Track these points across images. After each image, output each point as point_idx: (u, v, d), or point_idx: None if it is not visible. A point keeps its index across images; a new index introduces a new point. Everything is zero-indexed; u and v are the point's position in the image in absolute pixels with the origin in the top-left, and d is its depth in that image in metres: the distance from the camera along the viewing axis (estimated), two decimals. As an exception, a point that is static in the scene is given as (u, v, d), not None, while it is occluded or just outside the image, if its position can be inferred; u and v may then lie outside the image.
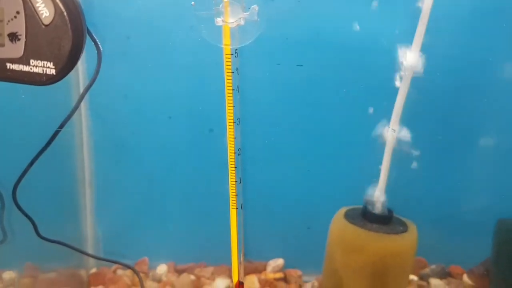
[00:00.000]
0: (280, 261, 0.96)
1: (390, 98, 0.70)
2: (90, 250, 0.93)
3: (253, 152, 0.81)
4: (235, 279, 0.42)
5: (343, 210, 0.81)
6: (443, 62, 0.73)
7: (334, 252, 0.80)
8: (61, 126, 0.53)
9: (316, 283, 0.91)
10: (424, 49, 0.64)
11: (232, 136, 0.37)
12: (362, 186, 0.83)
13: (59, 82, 0.75)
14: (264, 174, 0.87)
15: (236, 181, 0.40)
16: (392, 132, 0.73)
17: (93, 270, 0.93)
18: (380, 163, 0.77)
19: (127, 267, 0.71)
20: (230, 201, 0.41)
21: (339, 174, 0.88)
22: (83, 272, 0.91)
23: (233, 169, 0.39)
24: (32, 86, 0.33)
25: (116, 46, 0.79)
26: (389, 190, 0.82)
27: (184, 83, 0.82)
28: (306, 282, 0.93)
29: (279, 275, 0.94)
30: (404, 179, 0.82)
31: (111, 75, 0.81)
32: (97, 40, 0.43)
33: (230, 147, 0.37)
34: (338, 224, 0.79)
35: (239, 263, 0.44)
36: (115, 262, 0.76)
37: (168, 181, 0.90)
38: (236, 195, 0.42)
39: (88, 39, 0.42)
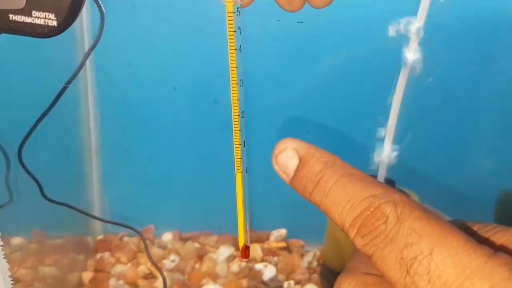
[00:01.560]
0: (283, 231, 0.98)
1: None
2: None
3: (256, 114, 0.81)
4: (241, 242, 0.41)
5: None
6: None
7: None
8: (68, 82, 0.53)
9: (318, 252, 0.93)
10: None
11: (236, 98, 0.35)
12: (367, 152, 0.83)
13: (66, 44, 0.76)
14: (267, 138, 0.87)
15: (240, 144, 0.39)
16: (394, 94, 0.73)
17: (100, 237, 0.95)
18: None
19: (134, 230, 0.72)
20: (235, 165, 0.38)
21: (343, 138, 0.88)
22: (89, 239, 0.93)
23: (238, 131, 0.37)
24: (39, 44, 0.34)
25: (121, 15, 0.79)
26: (394, 160, 0.83)
27: (189, 54, 0.83)
28: (308, 251, 0.95)
29: (282, 244, 0.96)
30: (407, 149, 0.82)
31: (116, 45, 0.82)
32: (100, 1, 0.43)
33: (234, 109, 0.35)
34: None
35: (245, 226, 0.41)
36: (122, 225, 0.77)
37: (173, 151, 0.91)
38: (241, 158, 0.39)
39: (91, 1, 0.42)
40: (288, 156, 0.27)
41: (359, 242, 0.22)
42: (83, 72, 0.85)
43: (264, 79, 0.80)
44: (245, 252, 0.42)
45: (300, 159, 0.26)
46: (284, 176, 0.28)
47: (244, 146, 0.41)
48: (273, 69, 0.81)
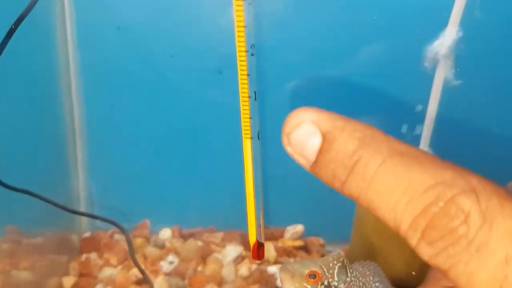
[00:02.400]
0: (299, 228, 0.85)
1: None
2: (83, 212, 0.81)
3: (270, 97, 0.68)
4: (253, 239, 0.34)
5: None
6: None
7: (366, 217, 0.69)
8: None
9: (342, 253, 0.79)
10: None
11: (245, 72, 0.28)
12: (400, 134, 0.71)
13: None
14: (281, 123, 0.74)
15: (249, 96, 0.30)
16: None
17: (86, 234, 0.82)
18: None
19: (117, 226, 0.59)
20: (243, 129, 0.30)
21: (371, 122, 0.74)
22: (74, 237, 0.80)
23: (246, 88, 0.29)
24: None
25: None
26: (433, 143, 0.70)
27: (188, 14, 0.69)
28: (329, 252, 0.81)
29: (299, 243, 0.82)
30: (447, 128, 0.69)
31: (101, 3, 0.69)
32: None
33: (243, 87, 0.29)
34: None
35: (257, 219, 0.33)
36: (102, 220, 0.64)
37: (171, 131, 0.77)
38: (250, 117, 0.30)
39: None
40: (305, 132, 0.20)
41: (426, 252, 0.17)
42: (62, 36, 0.71)
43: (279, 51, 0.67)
44: (257, 251, 0.34)
45: (324, 136, 0.20)
46: (302, 161, 0.21)
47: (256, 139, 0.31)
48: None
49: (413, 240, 0.17)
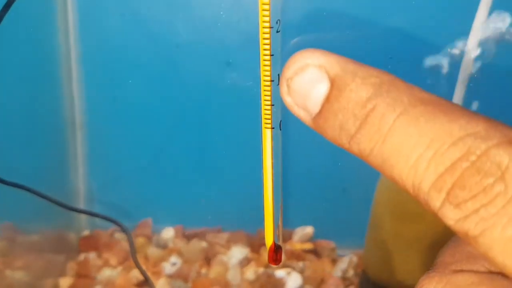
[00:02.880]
0: (309, 229, 0.81)
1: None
2: (82, 208, 0.77)
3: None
4: (269, 241, 0.30)
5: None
6: None
7: (382, 219, 0.64)
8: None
9: (354, 258, 0.75)
10: None
11: (268, 51, 0.24)
12: None
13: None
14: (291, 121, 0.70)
15: (272, 80, 0.26)
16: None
17: (85, 233, 0.78)
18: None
19: (117, 224, 0.55)
20: (263, 118, 0.26)
21: None
22: (72, 235, 0.76)
23: (268, 70, 0.25)
24: None
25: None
26: None
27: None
28: (341, 256, 0.77)
29: (308, 245, 0.78)
30: None
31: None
32: None
33: (265, 69, 0.25)
34: (388, 182, 0.63)
35: (276, 218, 0.29)
36: (101, 217, 0.60)
37: (176, 124, 0.73)
38: (272, 104, 0.26)
39: None
40: (310, 78, 0.17)
41: (451, 215, 0.14)
42: (63, 24, 0.67)
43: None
44: (275, 254, 0.31)
45: (333, 82, 0.17)
46: (302, 114, 0.19)
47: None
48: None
49: (436, 202, 0.15)
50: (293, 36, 0.61)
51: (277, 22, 0.23)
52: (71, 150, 0.74)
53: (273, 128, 0.28)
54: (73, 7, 0.67)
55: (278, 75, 0.26)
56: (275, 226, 0.32)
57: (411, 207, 0.61)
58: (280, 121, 0.28)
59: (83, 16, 0.67)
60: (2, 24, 0.53)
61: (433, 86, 0.62)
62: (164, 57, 0.69)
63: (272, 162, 0.28)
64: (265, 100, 0.27)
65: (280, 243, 0.32)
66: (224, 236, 0.79)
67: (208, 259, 0.75)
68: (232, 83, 0.64)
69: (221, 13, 0.61)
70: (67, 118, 0.72)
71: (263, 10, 0.23)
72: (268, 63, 0.25)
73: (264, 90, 0.26)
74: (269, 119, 0.28)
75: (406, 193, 0.50)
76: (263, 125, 0.28)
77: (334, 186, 0.78)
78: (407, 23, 0.63)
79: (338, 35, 0.61)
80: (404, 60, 0.63)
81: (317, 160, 0.75)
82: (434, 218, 0.48)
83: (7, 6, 0.42)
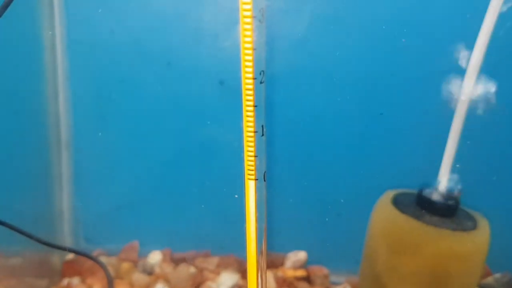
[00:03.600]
0: (302, 255, 0.78)
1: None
2: (66, 230, 0.75)
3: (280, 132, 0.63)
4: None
5: (390, 194, 0.63)
6: None
7: (377, 251, 0.62)
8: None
9: (348, 287, 0.72)
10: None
11: (252, 102, 0.23)
12: (412, 163, 0.67)
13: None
14: (285, 141, 0.67)
15: (255, 131, 0.25)
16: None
17: (70, 257, 0.75)
18: (440, 134, 0.58)
19: (95, 261, 0.52)
20: (246, 172, 0.25)
21: (380, 146, 0.69)
22: (56, 259, 0.73)
23: (251, 117, 0.24)
24: None
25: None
26: (455, 171, 0.63)
27: (187, 17, 0.62)
28: (334, 284, 0.74)
29: (301, 272, 0.75)
30: (475, 158, 0.62)
31: (94, 5, 0.63)
32: None
33: (248, 120, 0.24)
34: (384, 213, 0.61)
35: (259, 262, 0.28)
36: (77, 253, 0.57)
37: (166, 144, 0.70)
38: (255, 155, 0.25)
39: None
40: None
41: None
42: (50, 40, 0.65)
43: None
44: None
45: None
46: None
47: (263, 134, 0.24)
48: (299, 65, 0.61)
49: None
50: (278, 87, 0.59)
51: (260, 73, 0.21)
52: (56, 170, 0.71)
53: (257, 179, 0.25)
54: (61, 23, 0.65)
55: (262, 126, 0.23)
56: (259, 269, 0.30)
57: (407, 239, 0.59)
58: (265, 172, 0.25)
59: (71, 32, 0.65)
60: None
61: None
62: (154, 75, 0.66)
63: (256, 215, 0.26)
64: (248, 152, 0.24)
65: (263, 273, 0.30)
66: (213, 260, 0.76)
67: (196, 286, 0.72)
68: (212, 136, 0.62)
69: (199, 65, 0.59)
70: (52, 136, 0.69)
71: (246, 60, 0.20)
72: (251, 114, 0.22)
73: (248, 141, 0.24)
74: (252, 170, 0.25)
75: (403, 224, 0.47)
76: (246, 177, 0.25)
77: (329, 210, 0.76)
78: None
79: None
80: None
81: (312, 184, 0.73)
82: (432, 252, 0.45)
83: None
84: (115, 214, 0.75)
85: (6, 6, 0.42)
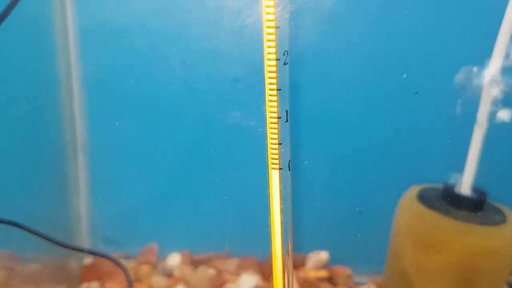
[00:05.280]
0: (323, 255, 0.76)
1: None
2: (84, 234, 0.74)
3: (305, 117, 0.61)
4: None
5: (414, 189, 0.61)
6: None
7: (403, 248, 0.60)
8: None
9: (372, 287, 0.70)
10: None
11: (275, 86, 0.21)
12: (436, 157, 0.64)
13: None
14: (310, 128, 0.65)
15: (279, 116, 0.23)
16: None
17: (88, 261, 0.74)
18: (466, 126, 0.56)
19: (114, 262, 0.51)
20: (270, 158, 0.23)
21: (402, 140, 0.67)
22: (74, 264, 0.72)
23: (275, 106, 0.22)
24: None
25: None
26: (483, 165, 0.61)
27: (202, 15, 0.61)
28: (358, 284, 0.72)
29: (323, 273, 0.73)
30: (503, 150, 0.60)
31: (107, 4, 0.62)
32: None
33: (271, 105, 0.22)
34: (410, 209, 0.59)
35: (286, 264, 0.25)
36: (96, 254, 0.56)
37: (183, 143, 0.69)
38: (279, 143, 0.23)
39: None
40: None
41: None
42: (63, 42, 0.64)
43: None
44: None
45: None
46: None
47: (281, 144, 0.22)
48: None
49: None
50: (303, 69, 0.57)
51: (284, 54, 0.20)
52: (72, 172, 0.71)
53: (281, 169, 0.24)
54: (74, 25, 0.64)
55: (286, 111, 0.22)
56: (285, 267, 0.28)
57: (435, 236, 0.57)
58: (289, 160, 0.24)
59: (84, 34, 0.64)
60: (2, 46, 0.50)
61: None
62: (169, 74, 0.65)
63: (281, 208, 0.24)
64: (271, 139, 0.23)
65: (290, 279, 0.29)
66: (233, 262, 0.75)
67: (216, 288, 0.70)
68: (235, 122, 0.60)
69: (220, 46, 0.57)
70: (68, 141, 0.69)
71: (268, 40, 0.19)
72: (274, 98, 0.21)
73: (271, 128, 0.22)
74: (276, 159, 0.24)
75: (429, 220, 0.45)
76: (270, 166, 0.24)
77: (350, 208, 0.74)
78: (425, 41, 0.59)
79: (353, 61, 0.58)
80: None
81: (332, 181, 0.71)
82: (461, 248, 0.43)
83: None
84: (133, 216, 0.74)
85: (12, 5, 0.41)
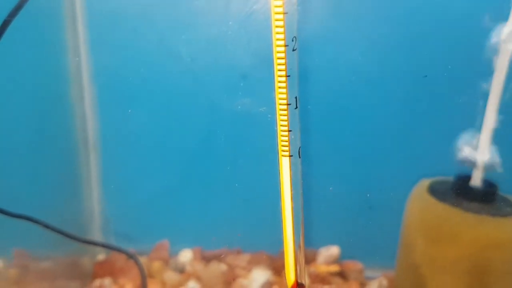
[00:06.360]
0: (334, 250, 0.76)
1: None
2: (97, 231, 0.75)
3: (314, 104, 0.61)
4: (290, 279, 0.20)
5: (425, 182, 0.61)
6: None
7: (414, 241, 0.60)
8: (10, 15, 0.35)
9: (384, 282, 0.70)
10: None
11: (284, 72, 0.21)
12: (446, 149, 0.62)
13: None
14: (320, 114, 0.65)
15: (288, 103, 0.23)
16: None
17: (101, 257, 0.75)
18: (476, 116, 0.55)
19: (125, 253, 0.52)
20: (280, 146, 0.23)
21: (412, 133, 0.67)
22: (87, 260, 0.73)
23: (284, 93, 0.22)
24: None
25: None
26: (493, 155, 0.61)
27: (209, 12, 0.61)
28: (369, 278, 0.72)
29: (334, 268, 0.73)
30: None
31: (116, 5, 0.63)
32: None
33: (280, 92, 0.22)
34: (420, 202, 0.59)
35: (297, 250, 0.26)
36: (108, 247, 0.57)
37: (193, 142, 0.69)
38: (289, 130, 0.23)
39: None
40: None
41: None
42: (73, 41, 0.65)
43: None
44: None
45: None
46: None
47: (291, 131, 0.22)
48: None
49: None
50: (312, 55, 0.57)
51: (293, 40, 0.20)
52: (85, 171, 0.71)
53: (291, 156, 0.24)
54: (83, 24, 0.65)
55: (296, 98, 0.22)
56: (297, 258, 0.28)
57: (446, 228, 0.57)
58: (299, 147, 0.24)
59: (94, 33, 0.65)
60: (12, 44, 0.51)
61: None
62: (177, 72, 0.65)
63: (291, 194, 0.25)
64: (281, 126, 0.23)
65: (302, 281, 0.29)
66: (244, 257, 0.75)
67: (228, 283, 0.71)
68: (244, 110, 0.60)
69: (229, 32, 0.57)
70: (79, 139, 0.69)
71: (277, 26, 0.19)
72: (283, 85, 0.21)
73: (280, 115, 0.23)
74: (286, 146, 0.24)
75: (440, 212, 0.45)
76: (280, 153, 0.24)
77: (360, 203, 0.74)
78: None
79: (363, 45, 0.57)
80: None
81: (342, 176, 0.71)
82: (472, 240, 0.43)
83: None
84: (145, 212, 0.75)
85: (19, 7, 0.42)
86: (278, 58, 0.21)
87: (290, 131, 0.23)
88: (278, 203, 0.28)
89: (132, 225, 0.75)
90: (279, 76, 0.22)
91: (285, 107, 0.23)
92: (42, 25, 0.60)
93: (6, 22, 0.37)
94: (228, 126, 0.66)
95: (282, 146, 0.24)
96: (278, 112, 0.23)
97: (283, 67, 0.21)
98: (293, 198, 0.25)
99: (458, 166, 0.61)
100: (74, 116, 0.68)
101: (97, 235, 0.75)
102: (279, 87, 0.22)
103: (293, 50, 0.21)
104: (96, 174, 0.73)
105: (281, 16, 0.20)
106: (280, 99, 0.22)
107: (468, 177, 0.59)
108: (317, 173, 0.69)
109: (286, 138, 0.23)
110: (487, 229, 0.55)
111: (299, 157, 0.24)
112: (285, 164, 0.24)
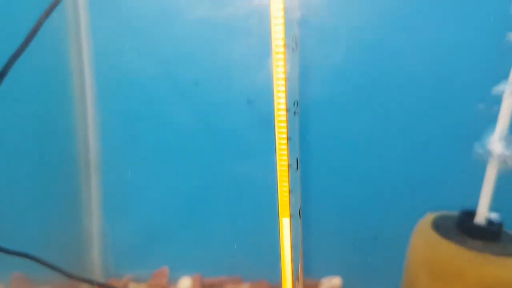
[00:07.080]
0: (336, 281, 0.75)
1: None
2: (96, 255, 0.74)
3: (308, 137, 0.61)
4: None
5: (429, 217, 0.60)
6: None
7: (417, 278, 0.59)
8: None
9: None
10: None
11: (285, 135, 0.22)
12: (453, 183, 0.63)
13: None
14: (318, 164, 0.65)
15: (289, 164, 0.24)
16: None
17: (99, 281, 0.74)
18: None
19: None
20: (280, 207, 0.23)
21: (418, 167, 0.66)
22: (85, 285, 0.72)
23: (285, 155, 0.23)
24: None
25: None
26: (499, 192, 0.60)
27: (215, 38, 0.62)
28: (371, 312, 0.71)
29: (336, 300, 0.72)
30: None
31: (120, 24, 0.63)
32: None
33: (281, 154, 0.22)
34: (424, 238, 0.58)
35: (295, 282, 0.27)
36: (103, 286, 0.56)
37: (195, 165, 0.69)
38: (290, 190, 0.24)
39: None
40: None
41: None
42: (78, 64, 0.65)
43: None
44: None
45: None
46: None
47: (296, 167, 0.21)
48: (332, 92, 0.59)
49: None
50: (313, 119, 0.57)
51: (294, 104, 0.19)
52: (85, 194, 0.71)
53: (292, 216, 0.23)
54: (88, 44, 0.65)
55: (297, 159, 0.22)
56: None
57: (450, 267, 0.56)
58: (300, 208, 0.24)
59: (98, 54, 0.65)
60: (16, 63, 0.51)
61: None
62: (181, 95, 0.66)
63: (291, 256, 0.24)
64: (282, 187, 0.22)
65: None
66: (245, 286, 0.74)
67: (227, 313, 0.70)
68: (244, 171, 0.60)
69: (232, 94, 0.58)
70: (81, 160, 0.69)
71: (278, 91, 0.19)
72: (285, 147, 0.21)
73: (282, 176, 0.22)
74: (287, 206, 0.23)
75: (444, 250, 0.44)
76: (281, 214, 0.24)
77: (364, 233, 0.73)
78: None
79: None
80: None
81: (346, 205, 0.70)
82: (476, 280, 0.42)
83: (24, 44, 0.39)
84: (145, 239, 0.74)
85: (34, 32, 0.42)
86: (279, 122, 0.21)
87: (291, 191, 0.23)
88: (278, 233, 0.27)
89: (132, 251, 0.74)
90: (280, 138, 0.22)
91: (285, 168, 0.22)
92: (47, 49, 0.61)
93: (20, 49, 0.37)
94: (229, 179, 0.67)
95: (283, 206, 0.23)
96: (280, 174, 0.23)
97: (284, 130, 0.21)
98: (293, 260, 0.25)
99: (463, 200, 0.60)
100: (76, 139, 0.68)
101: (96, 260, 0.75)
102: (280, 149, 0.22)
103: (295, 114, 0.21)
104: (96, 198, 0.72)
105: (282, 82, 0.20)
106: (281, 161, 0.22)
107: (472, 213, 0.58)
108: (321, 203, 0.69)
109: (287, 199, 0.23)
110: (492, 269, 0.54)
111: (300, 217, 0.24)
112: (285, 225, 0.24)
